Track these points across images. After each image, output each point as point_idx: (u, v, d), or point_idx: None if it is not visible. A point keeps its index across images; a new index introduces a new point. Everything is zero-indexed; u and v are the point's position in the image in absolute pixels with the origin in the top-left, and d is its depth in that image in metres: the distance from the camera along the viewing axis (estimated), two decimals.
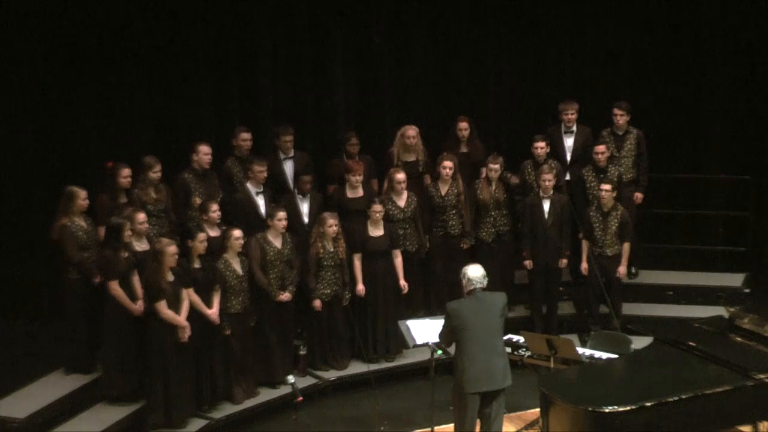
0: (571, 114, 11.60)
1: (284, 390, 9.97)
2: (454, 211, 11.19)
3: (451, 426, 8.42)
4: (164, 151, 10.88)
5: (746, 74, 12.77)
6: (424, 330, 8.79)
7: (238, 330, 9.85)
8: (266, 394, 10.13)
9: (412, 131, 11.38)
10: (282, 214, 10.04)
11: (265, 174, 10.58)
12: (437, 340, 8.78)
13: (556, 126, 11.72)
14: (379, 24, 12.68)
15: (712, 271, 12.43)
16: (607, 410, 7.64)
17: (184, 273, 9.36)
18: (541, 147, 11.26)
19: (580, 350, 9.07)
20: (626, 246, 10.97)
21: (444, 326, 8.23)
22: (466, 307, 8.12)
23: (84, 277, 9.70)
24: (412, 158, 11.42)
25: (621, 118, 11.60)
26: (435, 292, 11.35)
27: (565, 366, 8.85)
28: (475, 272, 8.21)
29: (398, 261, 10.71)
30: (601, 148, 11.27)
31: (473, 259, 10.71)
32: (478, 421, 8.27)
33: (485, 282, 8.22)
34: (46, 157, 11.27)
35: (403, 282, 10.70)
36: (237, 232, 9.76)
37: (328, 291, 10.38)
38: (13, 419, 9.15)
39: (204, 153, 10.55)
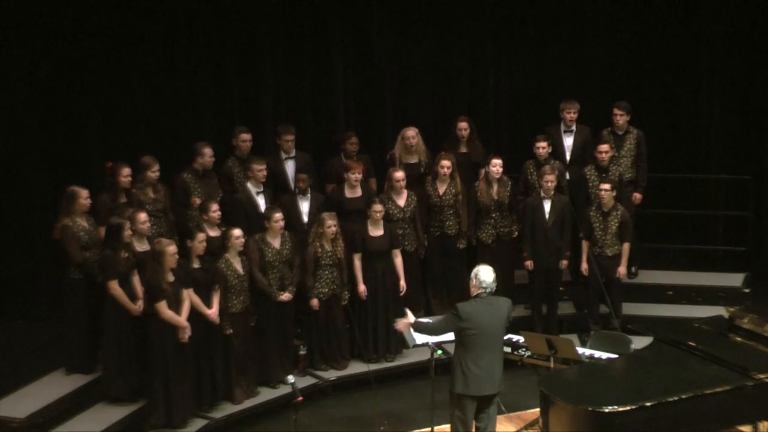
0: (572, 113, 11.60)
1: (284, 390, 9.97)
2: (451, 211, 11.19)
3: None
4: (164, 151, 10.88)
5: (746, 74, 12.78)
6: None
7: (239, 330, 9.85)
8: (266, 394, 10.13)
9: (411, 132, 11.39)
10: (278, 215, 10.04)
11: (264, 173, 10.59)
12: (437, 339, 8.80)
13: (556, 125, 11.72)
14: (379, 23, 12.68)
15: (712, 271, 12.44)
16: (607, 410, 7.65)
17: (185, 273, 9.37)
18: (543, 147, 11.25)
19: (580, 350, 9.07)
20: (626, 246, 10.97)
21: (445, 322, 8.21)
22: (478, 310, 8.08)
23: (86, 277, 9.70)
24: (413, 159, 11.42)
25: (621, 118, 11.61)
26: (432, 291, 11.35)
27: (565, 366, 8.85)
28: (487, 276, 8.16)
29: (398, 261, 10.71)
30: (604, 147, 11.27)
31: (472, 260, 10.76)
32: (472, 422, 8.29)
33: (494, 286, 8.21)
34: (46, 157, 11.27)
35: (402, 283, 10.70)
36: (237, 232, 9.76)
37: (326, 290, 10.38)
38: (13, 419, 9.15)
39: (209, 156, 10.59)
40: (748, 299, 11.82)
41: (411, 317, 8.44)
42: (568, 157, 11.67)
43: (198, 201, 10.39)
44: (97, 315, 9.63)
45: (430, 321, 8.55)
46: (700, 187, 13.06)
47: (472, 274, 8.22)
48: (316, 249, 10.30)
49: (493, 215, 11.20)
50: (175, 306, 9.22)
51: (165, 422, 9.33)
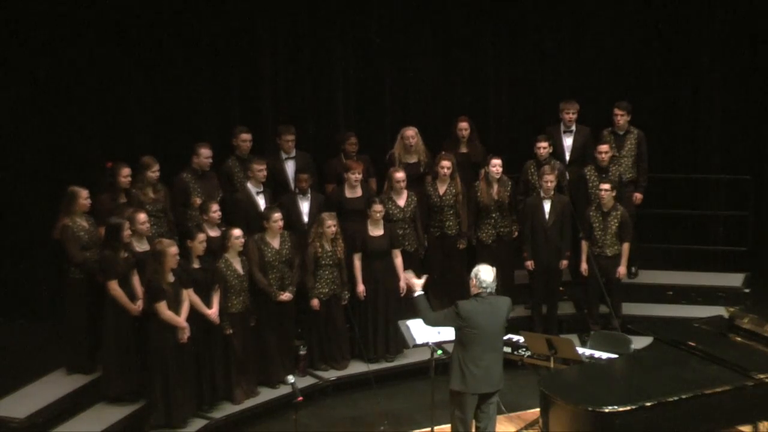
0: (571, 113, 11.60)
1: (284, 390, 9.98)
2: (451, 211, 11.19)
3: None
4: (164, 151, 10.88)
5: (746, 74, 12.77)
6: (424, 330, 8.79)
7: (239, 330, 9.85)
8: (266, 394, 10.13)
9: (410, 131, 11.38)
10: (277, 215, 10.03)
11: (264, 173, 10.59)
12: (437, 339, 8.80)
13: (556, 125, 11.72)
14: (379, 24, 12.68)
15: (712, 271, 12.44)
16: (607, 410, 7.64)
17: (185, 273, 9.36)
18: (543, 147, 11.26)
19: (580, 350, 9.07)
20: (626, 246, 10.97)
21: (445, 318, 8.21)
22: (477, 310, 8.09)
23: (86, 277, 9.70)
24: (413, 159, 11.41)
25: (621, 118, 11.61)
26: (432, 292, 11.34)
27: (565, 366, 8.85)
28: (487, 275, 8.17)
29: (398, 261, 10.71)
30: (604, 147, 11.28)
31: (472, 260, 10.75)
32: (472, 422, 8.30)
33: (494, 286, 8.21)
34: (46, 157, 11.27)
35: (402, 283, 10.70)
36: (237, 232, 9.76)
37: (326, 290, 10.39)
38: (13, 419, 9.15)
39: (205, 156, 10.57)
40: (748, 299, 11.82)
41: (419, 285, 8.40)
42: (567, 158, 11.67)
43: (198, 201, 10.39)
44: (97, 315, 9.63)
45: (431, 312, 8.51)
46: (700, 187, 13.06)
47: (472, 274, 8.23)
48: (316, 249, 10.30)
49: (493, 215, 11.20)
50: (175, 306, 9.22)
51: (165, 422, 9.32)
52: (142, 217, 9.64)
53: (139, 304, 9.42)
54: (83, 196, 9.76)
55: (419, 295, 8.37)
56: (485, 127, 12.56)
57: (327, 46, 12.49)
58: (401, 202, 10.94)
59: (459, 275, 11.03)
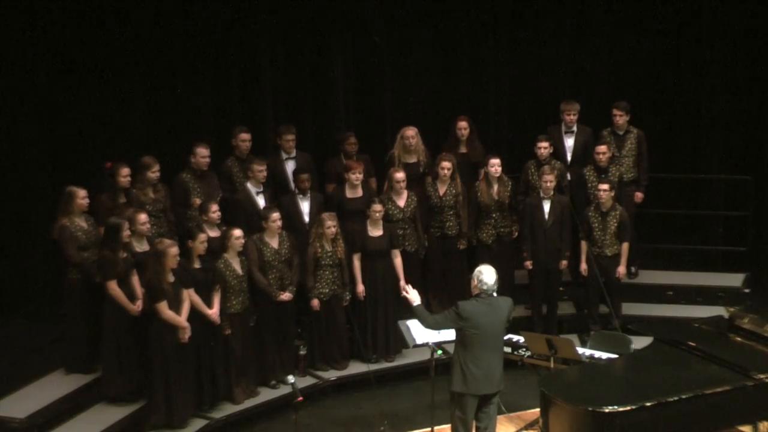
0: (572, 114, 11.60)
1: (284, 390, 9.98)
2: (452, 212, 11.19)
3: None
4: (164, 151, 10.88)
5: (746, 74, 12.78)
6: (424, 330, 8.79)
7: (238, 330, 9.85)
8: (266, 394, 10.14)
9: (410, 131, 11.38)
10: (276, 215, 10.03)
11: (264, 173, 10.59)
12: (437, 339, 8.80)
13: (557, 126, 11.72)
14: (379, 24, 12.68)
15: (712, 271, 12.43)
16: (607, 410, 7.65)
17: (185, 273, 9.36)
18: (544, 147, 11.26)
19: (580, 350, 9.08)
20: (625, 246, 10.97)
21: (445, 319, 8.20)
22: (478, 310, 8.09)
23: (84, 277, 9.70)
24: (413, 159, 11.41)
25: (620, 118, 11.61)
26: (432, 292, 11.35)
27: (565, 366, 8.85)
28: (489, 277, 8.15)
29: (398, 261, 10.71)
30: (602, 148, 11.29)
31: (472, 260, 10.76)
32: (473, 422, 8.31)
33: (496, 288, 8.20)
34: (46, 156, 11.27)
35: (403, 284, 10.68)
36: (237, 232, 9.76)
37: (326, 290, 10.39)
38: (13, 419, 9.15)
39: (201, 156, 10.55)
40: (748, 299, 11.82)
41: (417, 299, 8.40)
42: (568, 158, 11.67)
43: (198, 201, 10.39)
44: (97, 315, 9.63)
45: (431, 316, 8.52)
46: (700, 187, 13.06)
47: (474, 275, 8.22)
48: (316, 249, 10.30)
49: (494, 215, 11.20)
50: (176, 306, 9.22)
51: (165, 422, 9.33)
52: (142, 217, 9.64)
53: (139, 304, 9.42)
54: (80, 195, 9.76)
55: (417, 305, 8.38)
56: (485, 127, 12.55)
57: (327, 46, 12.49)
58: (401, 202, 10.94)
59: (459, 275, 11.03)
